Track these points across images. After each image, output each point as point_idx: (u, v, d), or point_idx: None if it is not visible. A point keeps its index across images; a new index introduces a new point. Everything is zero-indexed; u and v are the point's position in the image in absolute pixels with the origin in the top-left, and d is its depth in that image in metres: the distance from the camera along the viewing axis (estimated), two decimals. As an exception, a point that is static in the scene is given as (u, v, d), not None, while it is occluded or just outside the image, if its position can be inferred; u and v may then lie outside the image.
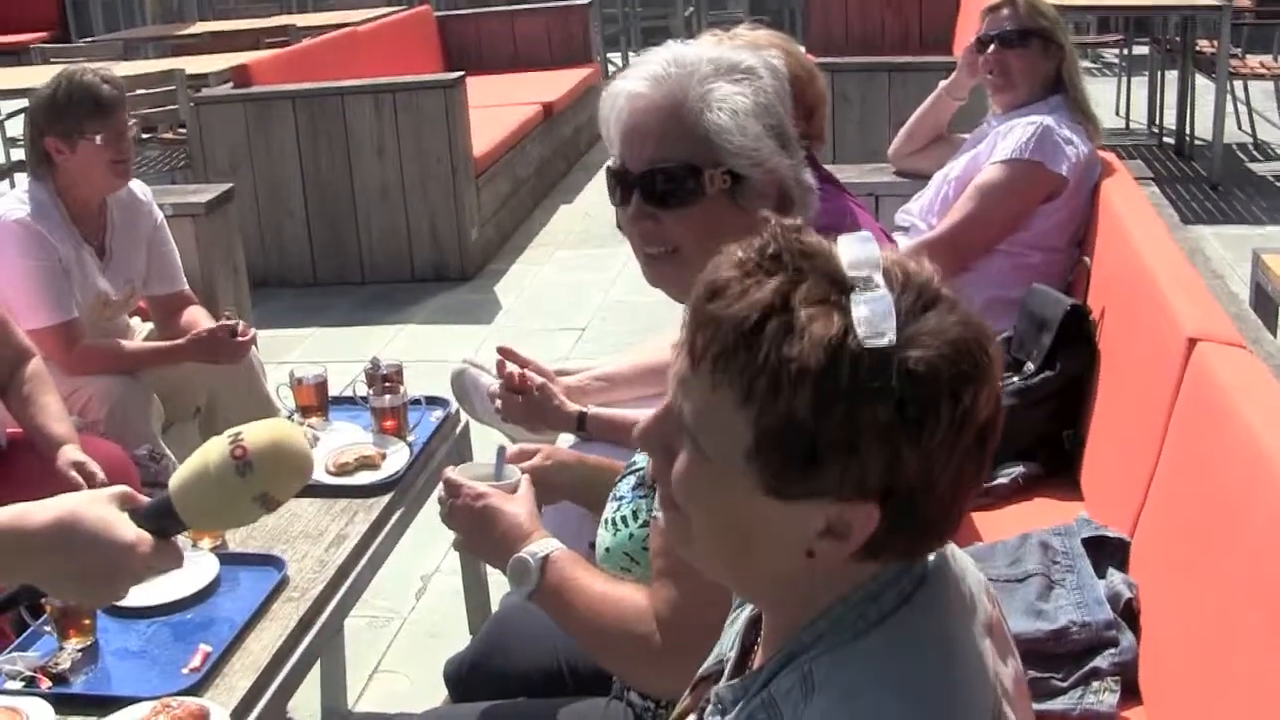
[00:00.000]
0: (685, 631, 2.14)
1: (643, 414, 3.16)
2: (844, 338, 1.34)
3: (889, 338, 1.34)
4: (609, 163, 2.54)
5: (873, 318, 1.34)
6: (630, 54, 15.00)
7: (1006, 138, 4.62)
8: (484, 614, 4.21)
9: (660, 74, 2.41)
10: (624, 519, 2.44)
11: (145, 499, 1.95)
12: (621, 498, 2.50)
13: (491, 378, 4.18)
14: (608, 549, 2.46)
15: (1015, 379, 3.92)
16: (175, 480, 1.93)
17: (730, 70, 2.41)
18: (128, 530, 1.89)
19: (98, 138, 4.63)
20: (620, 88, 2.45)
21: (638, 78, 2.43)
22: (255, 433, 1.91)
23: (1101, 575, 3.05)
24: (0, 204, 4.72)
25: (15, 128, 10.55)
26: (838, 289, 1.37)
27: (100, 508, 1.91)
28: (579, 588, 2.34)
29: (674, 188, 2.42)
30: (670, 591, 2.22)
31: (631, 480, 2.50)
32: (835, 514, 1.38)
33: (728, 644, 1.70)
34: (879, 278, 1.38)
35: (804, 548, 1.41)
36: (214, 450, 1.90)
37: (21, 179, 4.84)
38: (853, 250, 1.41)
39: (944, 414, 1.36)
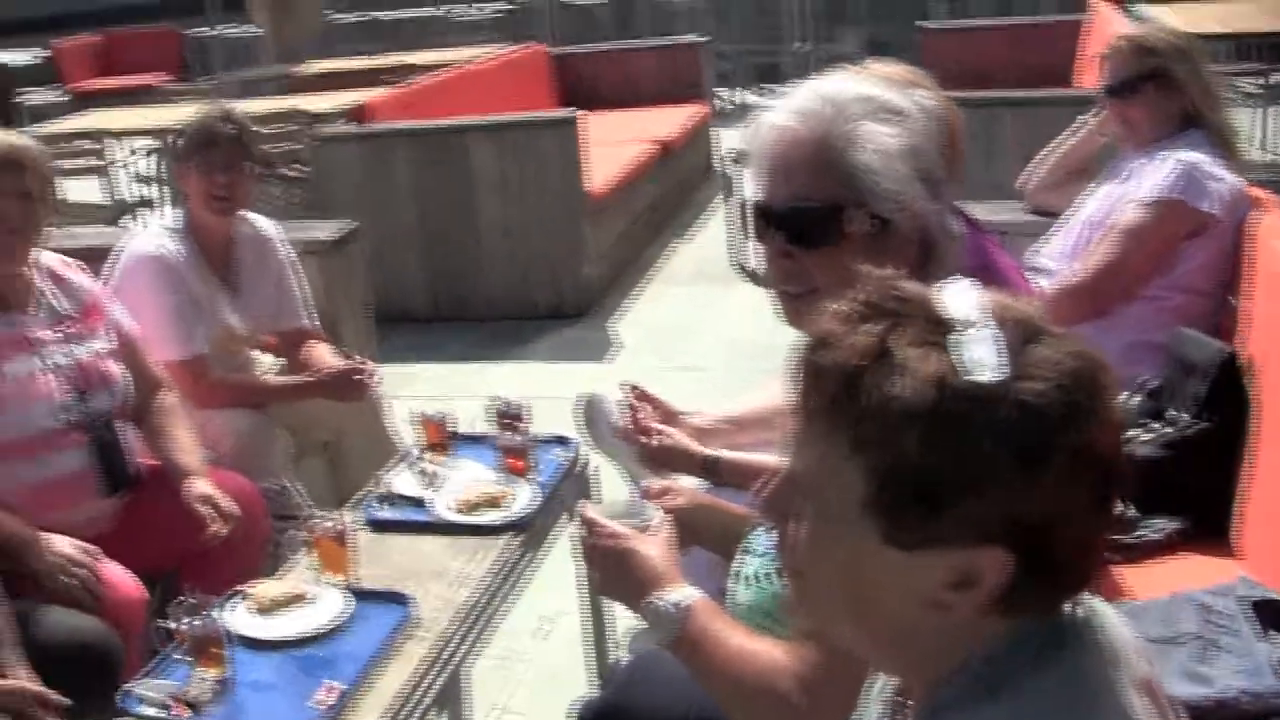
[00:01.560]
0: (827, 693, 2.08)
1: (771, 459, 3.16)
2: (948, 374, 1.33)
3: (996, 371, 1.33)
4: (751, 195, 2.48)
5: (977, 353, 1.34)
6: (741, 92, 14.99)
7: (1146, 177, 4.47)
8: (608, 657, 4.19)
9: (808, 108, 2.37)
10: (767, 575, 2.40)
11: None
12: (756, 552, 2.46)
13: (619, 413, 4.16)
14: (747, 605, 2.42)
15: (1166, 429, 3.79)
16: None
17: (880, 109, 2.36)
18: None
19: (200, 170, 4.72)
20: (767, 120, 2.41)
21: (785, 110, 2.39)
22: None
23: (1263, 639, 2.92)
24: (137, 238, 4.82)
25: (142, 165, 10.73)
26: (938, 330, 1.37)
27: None
28: (718, 640, 2.26)
29: (815, 226, 2.37)
30: (812, 651, 2.15)
31: (767, 535, 2.46)
32: (961, 562, 1.36)
33: (871, 717, 1.68)
34: (979, 316, 1.37)
35: (931, 600, 1.39)
36: None
37: (151, 216, 4.92)
38: (951, 293, 1.41)
39: (1062, 447, 1.34)
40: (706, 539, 2.80)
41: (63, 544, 3.70)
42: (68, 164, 9.02)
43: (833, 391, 1.38)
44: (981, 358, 1.33)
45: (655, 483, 2.84)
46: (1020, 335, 1.37)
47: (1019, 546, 1.35)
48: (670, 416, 3.63)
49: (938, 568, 1.37)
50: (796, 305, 2.44)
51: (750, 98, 14.96)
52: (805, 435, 1.42)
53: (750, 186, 2.48)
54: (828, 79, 2.45)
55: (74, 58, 18.15)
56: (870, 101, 2.37)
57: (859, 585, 1.43)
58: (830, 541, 1.43)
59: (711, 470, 3.47)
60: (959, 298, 1.40)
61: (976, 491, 1.33)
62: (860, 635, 1.50)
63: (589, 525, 2.52)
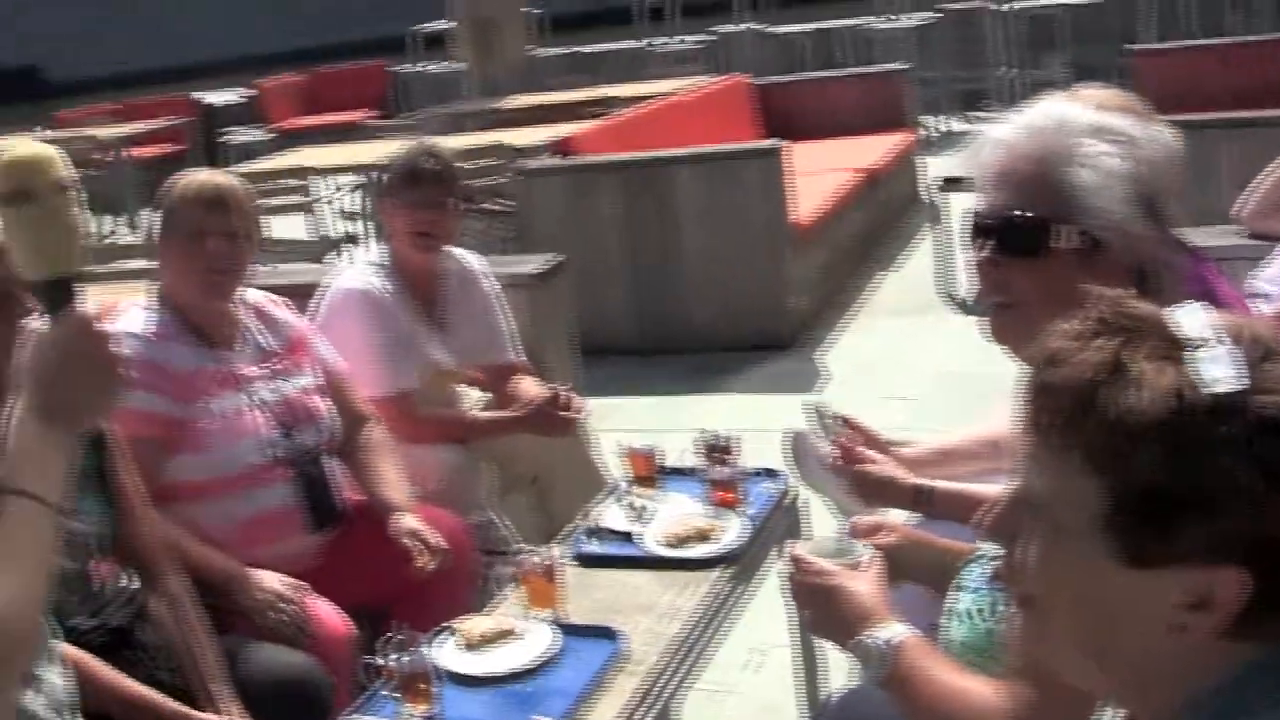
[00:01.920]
0: None
1: (988, 489, 3.08)
2: (1186, 388, 1.30)
3: (1234, 385, 1.29)
4: (971, 207, 2.49)
5: (1214, 366, 1.31)
6: (946, 119, 14.85)
7: None
8: (820, 690, 4.13)
9: (1033, 124, 2.39)
10: (979, 611, 2.35)
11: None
12: (969, 588, 2.41)
13: (828, 445, 4.10)
14: (959, 642, 2.37)
15: None
16: (19, 266, 1.90)
17: (1105, 131, 2.36)
18: (43, 328, 1.86)
19: (404, 207, 4.75)
20: (993, 133, 2.43)
21: (1010, 125, 2.41)
22: None
23: None
24: (344, 274, 4.86)
25: (347, 202, 10.90)
26: (1173, 346, 1.34)
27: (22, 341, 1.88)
28: (928, 678, 2.24)
29: (1022, 237, 2.38)
30: (1028, 690, 2.11)
31: (982, 570, 2.41)
32: (1198, 581, 1.31)
33: None
34: (1213, 333, 1.34)
35: (1166, 622, 1.34)
36: None
37: (357, 251, 4.97)
38: (1183, 312, 1.38)
39: None
40: (917, 574, 2.77)
41: (271, 580, 3.73)
42: (273, 201, 9.19)
43: (1065, 407, 1.36)
44: (1219, 371, 1.31)
45: (864, 519, 2.80)
46: (1256, 351, 1.34)
47: (1257, 566, 1.31)
48: (880, 447, 3.57)
49: (1173, 588, 1.33)
50: (1000, 318, 2.46)
51: (956, 125, 14.81)
52: (1035, 454, 1.40)
53: (971, 200, 2.50)
54: (1056, 100, 2.48)
55: (278, 96, 18.59)
56: (1096, 123, 2.38)
57: (1091, 607, 1.40)
58: (1062, 562, 1.40)
59: (923, 502, 3.40)
60: (1191, 316, 1.38)
61: (1214, 507, 1.29)
62: (1090, 662, 1.45)
63: (798, 563, 2.52)
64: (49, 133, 15.38)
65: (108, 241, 14.24)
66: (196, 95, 18.60)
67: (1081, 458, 1.34)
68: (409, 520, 3.97)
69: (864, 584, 2.44)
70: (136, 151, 14.99)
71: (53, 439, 1.80)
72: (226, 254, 3.93)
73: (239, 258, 3.98)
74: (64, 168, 1.85)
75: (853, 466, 3.48)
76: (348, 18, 41.31)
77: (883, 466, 3.46)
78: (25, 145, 1.85)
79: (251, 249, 4.04)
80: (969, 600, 2.39)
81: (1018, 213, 2.38)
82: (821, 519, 4.07)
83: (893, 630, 2.31)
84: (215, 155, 15.44)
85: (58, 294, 1.88)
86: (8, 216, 1.84)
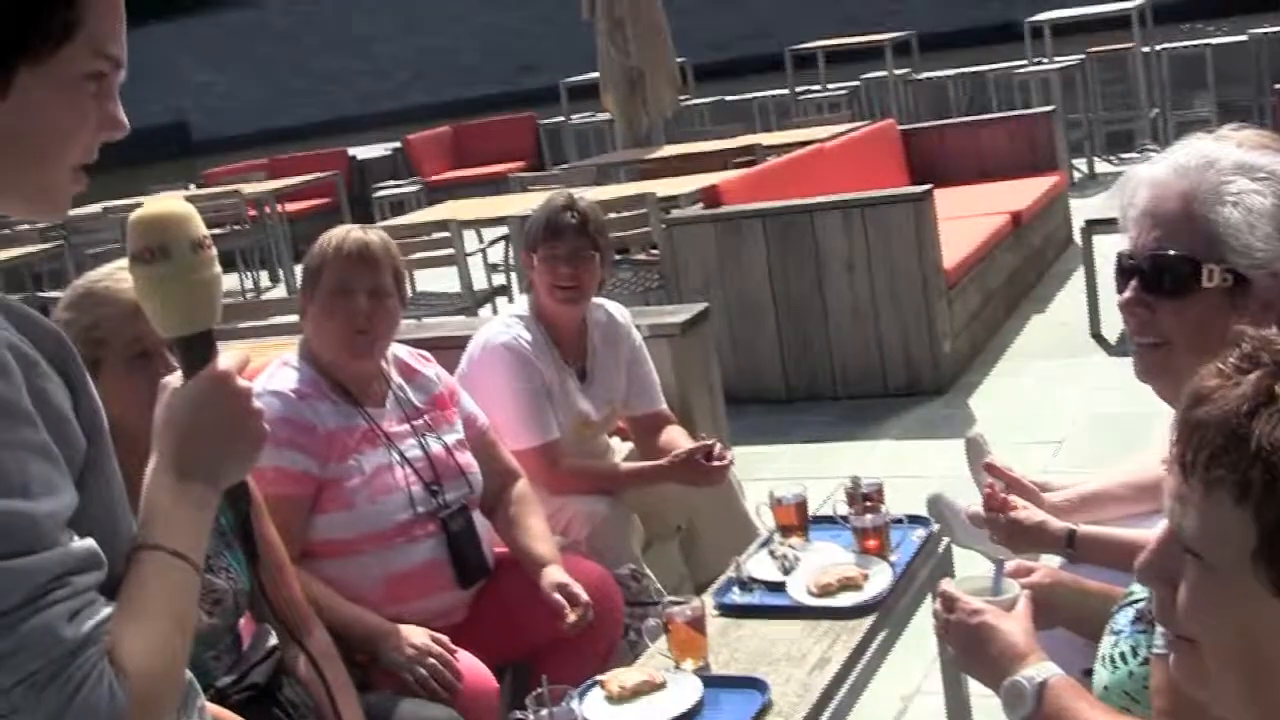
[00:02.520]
0: None
1: (1136, 533, 3.02)
2: None
3: None
4: (1119, 247, 2.48)
5: None
6: (1096, 160, 14.69)
7: None
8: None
9: (1181, 163, 2.38)
10: (1122, 655, 2.31)
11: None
12: (1119, 631, 2.37)
13: (967, 501, 4.06)
14: (1106, 687, 2.33)
15: None
16: (154, 323, 1.89)
17: (1253, 169, 2.34)
18: (182, 382, 1.86)
19: (545, 261, 4.77)
20: (1140, 173, 2.43)
21: (1161, 164, 2.40)
22: (133, 233, 1.85)
23: None
24: (488, 327, 4.89)
25: (495, 254, 10.99)
26: None
27: (160, 398, 1.87)
28: (1077, 719, 2.21)
29: (1170, 277, 2.37)
30: None
31: (1129, 613, 2.37)
32: None
33: None
34: None
35: None
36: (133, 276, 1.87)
37: (503, 304, 4.99)
38: None
39: None
40: (1068, 618, 2.73)
41: (418, 635, 3.73)
42: (422, 255, 9.27)
43: (1216, 442, 1.35)
44: None
45: (1012, 562, 2.76)
46: None
47: None
48: (1027, 492, 3.52)
49: None
50: (1149, 358, 2.46)
51: (1104, 166, 14.65)
52: (1186, 492, 1.38)
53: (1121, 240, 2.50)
54: (1203, 139, 2.46)
55: (427, 150, 18.82)
56: (1242, 161, 2.37)
57: (1252, 645, 1.37)
58: (1219, 601, 1.38)
59: (1073, 546, 3.35)
60: None
61: None
62: (1253, 705, 1.41)
63: (948, 601, 2.51)
64: (198, 189, 15.69)
65: (256, 296, 14.46)
66: (346, 149, 18.90)
67: (1230, 492, 1.33)
68: (556, 573, 3.97)
69: (1014, 623, 2.43)
70: (287, 206, 15.22)
71: (189, 495, 1.80)
72: (373, 312, 3.94)
73: (386, 316, 3.99)
74: (199, 224, 1.87)
75: (1000, 514, 3.43)
76: (496, 72, 41.88)
77: (1030, 512, 3.41)
78: (160, 203, 1.87)
79: (399, 306, 4.06)
80: (1119, 644, 2.35)
81: (1165, 252, 2.37)
82: (972, 566, 4.01)
83: (1043, 670, 2.29)
84: (364, 209, 15.65)
85: (194, 350, 1.88)
86: (143, 274, 1.85)
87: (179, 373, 1.88)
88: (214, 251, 1.88)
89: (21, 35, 1.63)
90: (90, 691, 1.57)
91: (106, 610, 1.63)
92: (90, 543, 1.63)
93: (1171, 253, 2.36)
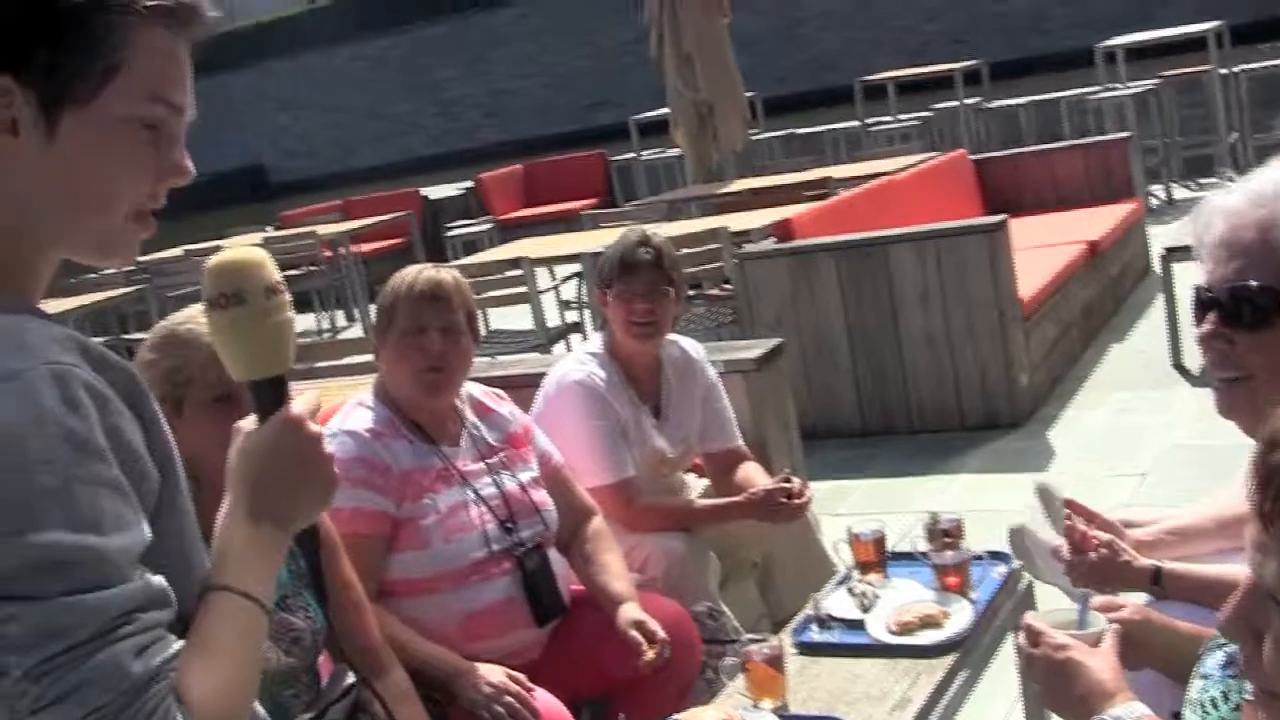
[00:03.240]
0: None
1: (1226, 569, 2.96)
2: None
3: None
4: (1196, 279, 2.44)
5: None
6: (1173, 186, 14.56)
7: None
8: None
9: (1259, 191, 2.33)
10: (1213, 701, 2.25)
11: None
12: (1208, 675, 2.31)
13: (1052, 534, 4.01)
14: (1198, 732, 2.28)
15: None
16: (228, 368, 1.90)
17: None
18: (254, 427, 1.88)
19: (621, 298, 4.75)
20: (1215, 203, 2.38)
21: (1236, 193, 2.35)
22: (209, 279, 1.86)
23: None
24: (562, 364, 4.88)
25: (568, 291, 11.00)
26: None
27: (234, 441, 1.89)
28: None
29: (1251, 309, 2.32)
30: None
31: (1219, 656, 2.31)
32: None
33: None
34: None
35: None
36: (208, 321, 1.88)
37: (577, 341, 4.98)
38: None
39: None
40: (1156, 657, 2.68)
41: (495, 673, 3.72)
42: (495, 293, 9.30)
43: None
44: None
45: (1099, 597, 2.71)
46: None
47: None
48: (1110, 528, 3.46)
49: None
50: (1231, 393, 2.42)
51: (1182, 192, 14.53)
52: (1267, 540, 1.35)
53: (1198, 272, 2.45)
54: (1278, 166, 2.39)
55: (498, 189, 18.93)
56: None
57: None
58: None
59: (1159, 584, 3.28)
60: None
61: None
62: None
63: (1032, 635, 2.47)
64: (275, 231, 15.84)
65: (331, 336, 14.56)
66: (418, 190, 19.02)
67: None
68: (632, 610, 3.94)
69: (1102, 659, 2.38)
70: (361, 247, 15.32)
71: (261, 538, 1.83)
72: (446, 350, 3.94)
73: (459, 354, 3.99)
74: (272, 270, 1.88)
75: (1083, 552, 3.38)
76: (566, 110, 41.99)
77: (1114, 547, 3.36)
78: (235, 249, 1.89)
79: (472, 343, 4.06)
80: (1209, 688, 2.29)
81: (1244, 283, 2.32)
82: (1053, 602, 3.96)
83: (1132, 710, 2.25)
84: (437, 248, 15.73)
85: (267, 394, 1.90)
86: (218, 319, 1.87)
87: (253, 416, 1.89)
88: (287, 297, 1.90)
89: (60, 77, 1.66)
90: (170, 709, 1.60)
91: (175, 646, 1.65)
92: (160, 580, 1.66)
93: (1251, 284, 2.31)
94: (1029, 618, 2.50)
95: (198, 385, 3.04)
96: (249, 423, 1.89)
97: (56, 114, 1.66)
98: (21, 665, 1.53)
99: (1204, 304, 2.40)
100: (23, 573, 1.53)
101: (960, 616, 3.72)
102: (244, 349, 1.90)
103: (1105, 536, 3.38)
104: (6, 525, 1.53)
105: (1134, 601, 2.90)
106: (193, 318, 3.16)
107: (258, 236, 15.00)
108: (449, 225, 16.38)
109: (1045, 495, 4.14)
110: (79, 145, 1.68)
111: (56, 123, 1.66)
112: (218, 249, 14.28)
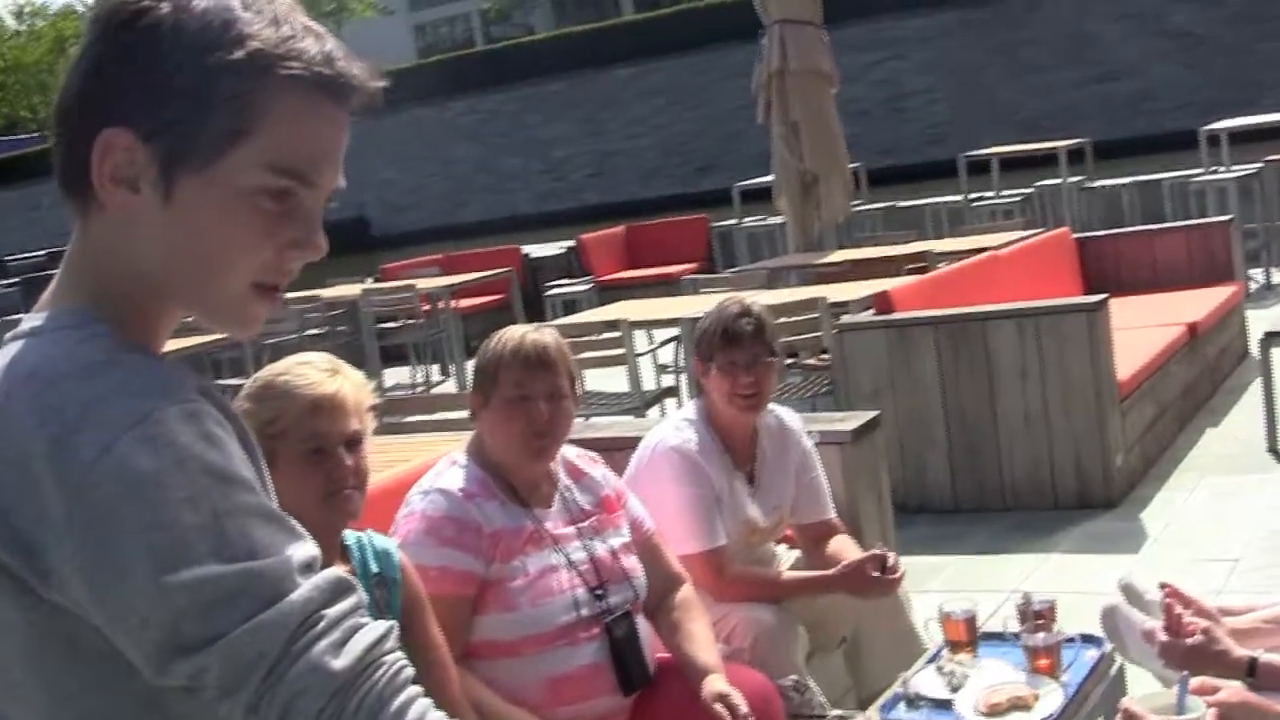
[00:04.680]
0: None
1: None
2: None
3: None
4: None
5: None
6: (1273, 271, 14.42)
7: None
8: None
9: None
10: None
11: None
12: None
13: (1145, 616, 3.99)
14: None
15: None
16: None
17: None
18: None
19: (724, 370, 4.75)
20: None
21: None
22: None
23: None
24: (658, 429, 4.88)
25: (666, 355, 11.01)
26: None
27: None
28: None
29: None
30: None
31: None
32: None
33: None
34: None
35: None
36: None
37: (671, 406, 4.99)
38: None
39: None
40: None
41: None
42: (592, 354, 9.31)
43: None
44: None
45: (1197, 679, 2.69)
46: None
47: None
48: (1208, 615, 3.43)
49: None
50: None
51: (1282, 277, 14.42)
52: None
53: None
54: None
55: (599, 249, 18.99)
56: None
57: None
58: None
59: (1254, 675, 3.25)
60: None
61: None
62: None
63: (1129, 718, 2.41)
64: (374, 283, 15.98)
65: (425, 390, 14.65)
66: (519, 247, 19.13)
67: None
68: (718, 682, 3.91)
69: None
70: (460, 302, 15.42)
71: None
72: (552, 415, 3.94)
73: (563, 419, 3.99)
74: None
75: (1179, 638, 3.36)
76: (671, 174, 42.20)
77: (1211, 634, 3.33)
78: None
79: (574, 406, 4.07)
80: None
81: None
82: (1143, 686, 3.93)
83: None
84: (536, 307, 15.81)
85: None
86: None
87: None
88: None
89: (179, 136, 1.64)
90: (391, 694, 1.61)
91: (380, 629, 1.64)
92: (335, 570, 1.65)
93: None
94: (1126, 703, 2.49)
95: (291, 438, 3.08)
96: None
97: (173, 174, 1.64)
98: (238, 705, 1.55)
99: None
100: (195, 612, 1.53)
101: (1050, 699, 3.69)
102: None
103: (1202, 623, 3.36)
104: (162, 568, 1.52)
105: (1233, 685, 2.88)
106: (290, 369, 3.20)
107: (358, 288, 15.13)
108: (549, 284, 16.45)
109: (1130, 592, 4.12)
110: (195, 209, 1.65)
111: (173, 182, 1.64)
112: (316, 298, 14.38)
